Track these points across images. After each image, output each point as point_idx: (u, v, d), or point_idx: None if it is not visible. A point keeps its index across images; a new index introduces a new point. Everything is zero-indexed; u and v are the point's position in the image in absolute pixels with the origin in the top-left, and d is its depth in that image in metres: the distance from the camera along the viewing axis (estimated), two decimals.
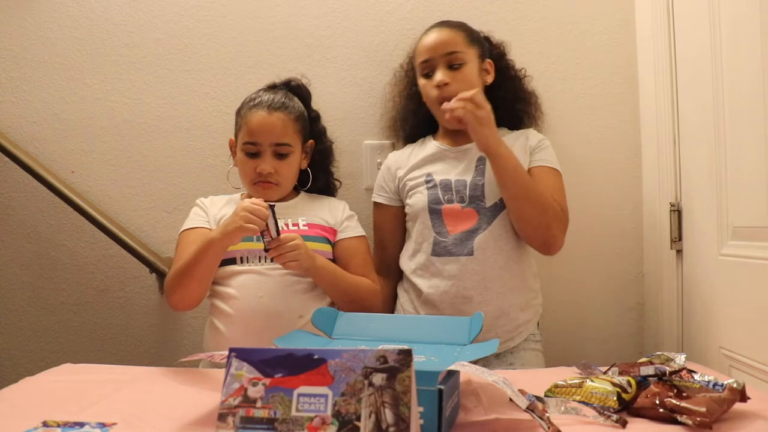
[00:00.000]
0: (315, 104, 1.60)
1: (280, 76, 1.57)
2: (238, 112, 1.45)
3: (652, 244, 1.64)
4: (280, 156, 1.40)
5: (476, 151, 1.40)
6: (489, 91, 1.44)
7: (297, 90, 1.51)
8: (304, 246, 1.27)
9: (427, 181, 1.44)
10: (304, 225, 1.43)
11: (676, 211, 1.54)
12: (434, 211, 1.42)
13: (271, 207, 1.23)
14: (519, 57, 1.67)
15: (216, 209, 1.44)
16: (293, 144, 1.41)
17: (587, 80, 1.69)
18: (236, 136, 1.45)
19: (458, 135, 1.45)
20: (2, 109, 1.73)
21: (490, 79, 1.46)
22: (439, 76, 1.40)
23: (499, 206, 1.38)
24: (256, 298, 1.32)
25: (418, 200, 1.44)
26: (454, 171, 1.43)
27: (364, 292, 1.38)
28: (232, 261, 1.35)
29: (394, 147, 1.68)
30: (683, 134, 1.52)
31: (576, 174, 1.69)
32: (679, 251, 1.54)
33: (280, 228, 1.25)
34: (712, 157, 1.36)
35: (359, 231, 1.47)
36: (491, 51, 1.52)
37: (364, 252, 1.45)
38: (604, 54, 1.69)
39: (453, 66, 1.40)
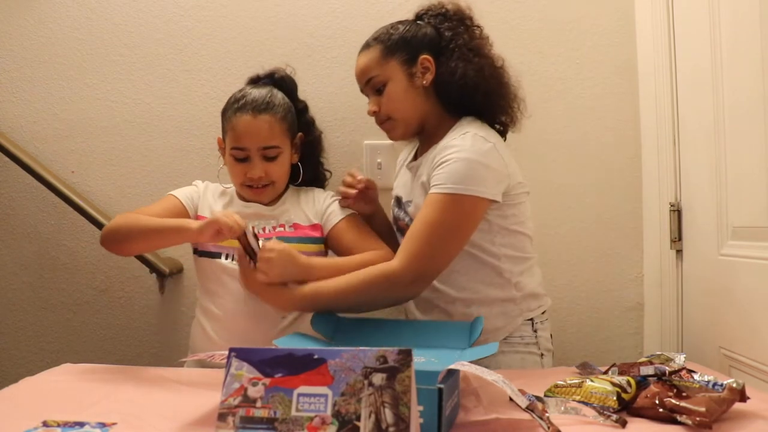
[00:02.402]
0: (315, 104, 1.60)
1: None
2: (224, 114, 1.42)
3: (652, 244, 1.63)
4: (269, 158, 1.38)
5: (416, 169, 1.37)
6: (439, 84, 1.33)
7: (281, 83, 1.47)
8: (282, 258, 1.23)
9: (395, 196, 1.46)
10: (290, 227, 1.41)
11: (676, 211, 1.54)
12: (397, 227, 1.44)
13: (248, 230, 1.23)
14: (519, 57, 1.67)
15: (211, 199, 1.44)
16: (281, 145, 1.39)
17: (587, 80, 1.69)
18: (223, 136, 1.44)
19: (423, 143, 1.42)
20: (2, 109, 1.73)
21: (430, 76, 1.32)
22: (369, 106, 1.39)
23: None
24: (241, 298, 1.32)
25: (391, 212, 1.48)
26: (405, 190, 1.40)
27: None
28: (217, 255, 1.35)
29: (393, 147, 1.67)
30: (683, 134, 1.52)
31: (576, 174, 1.69)
32: (679, 251, 1.54)
33: (258, 245, 1.24)
34: (712, 157, 1.36)
35: (345, 212, 1.43)
36: (440, 30, 1.36)
37: (357, 227, 1.41)
38: (604, 54, 1.69)
39: (378, 90, 1.35)
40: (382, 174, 1.68)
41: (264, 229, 1.40)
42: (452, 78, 1.31)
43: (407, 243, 1.23)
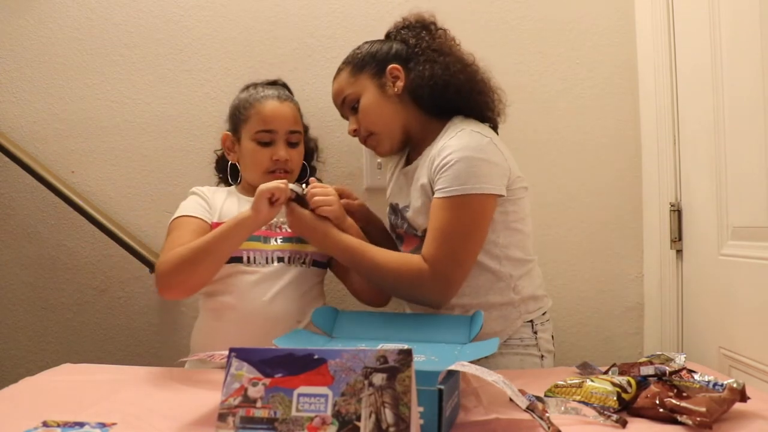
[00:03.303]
0: (315, 104, 1.63)
1: (281, 77, 1.57)
2: (240, 105, 1.44)
3: (652, 244, 1.64)
4: (292, 144, 1.43)
5: (412, 174, 1.37)
6: (411, 89, 1.34)
7: (286, 87, 1.54)
8: (335, 196, 1.29)
9: (389, 204, 1.46)
10: None
11: (676, 211, 1.54)
12: (396, 235, 1.44)
13: (293, 186, 1.25)
14: (519, 57, 1.67)
15: (219, 201, 1.42)
16: (302, 132, 1.46)
17: (587, 80, 1.69)
18: (237, 129, 1.45)
19: (413, 148, 1.43)
20: (2, 109, 1.73)
21: (400, 83, 1.34)
22: (349, 125, 1.41)
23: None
24: (259, 301, 1.31)
25: (387, 221, 1.48)
26: (400, 195, 1.41)
27: None
28: (238, 260, 1.34)
29: None
30: (683, 134, 1.52)
31: (576, 174, 1.69)
32: (679, 251, 1.54)
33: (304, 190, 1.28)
34: (712, 157, 1.36)
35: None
36: (406, 40, 1.38)
37: None
38: (604, 54, 1.69)
39: (353, 108, 1.37)
40: (382, 174, 1.68)
41: (280, 228, 1.41)
42: (422, 80, 1.33)
43: (427, 250, 1.23)
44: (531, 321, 1.34)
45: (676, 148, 1.54)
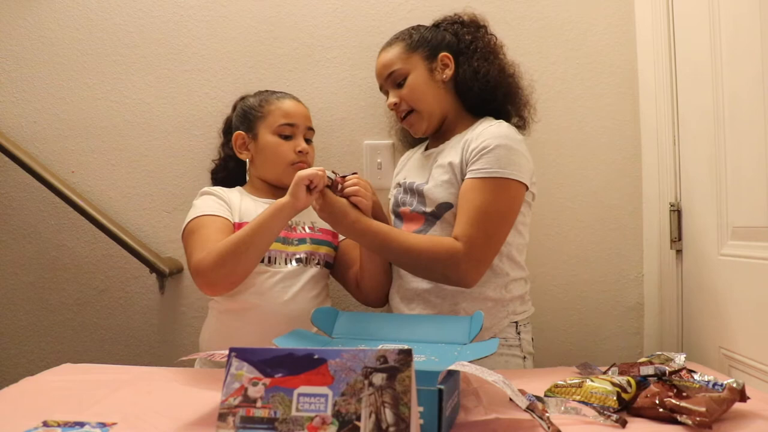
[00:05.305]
0: (315, 104, 1.63)
1: (281, 77, 1.57)
2: (256, 106, 1.46)
3: (652, 244, 1.64)
4: (308, 141, 1.47)
5: (435, 156, 1.39)
6: (460, 81, 1.38)
7: None
8: (371, 194, 1.30)
9: (400, 184, 1.46)
10: (318, 230, 1.46)
11: (676, 211, 1.54)
12: (396, 214, 1.45)
13: (328, 173, 1.26)
14: (519, 57, 1.67)
15: (236, 202, 1.41)
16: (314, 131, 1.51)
17: (587, 80, 1.69)
18: (251, 128, 1.45)
19: (433, 138, 1.47)
20: (2, 109, 1.73)
21: (449, 72, 1.38)
22: (389, 98, 1.42)
23: (437, 213, 1.33)
24: (280, 301, 1.32)
25: (389, 202, 1.49)
26: (419, 175, 1.42)
27: None
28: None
29: (394, 147, 1.68)
30: (683, 134, 1.52)
31: (576, 174, 1.69)
32: (679, 251, 1.54)
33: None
34: (712, 157, 1.36)
35: None
36: (459, 35, 1.43)
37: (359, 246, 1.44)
38: (604, 54, 1.69)
39: (399, 84, 1.39)
40: (382, 174, 1.68)
41: (295, 229, 1.42)
42: (475, 75, 1.37)
43: (462, 229, 1.24)
44: (516, 322, 1.35)
45: (676, 148, 1.54)
